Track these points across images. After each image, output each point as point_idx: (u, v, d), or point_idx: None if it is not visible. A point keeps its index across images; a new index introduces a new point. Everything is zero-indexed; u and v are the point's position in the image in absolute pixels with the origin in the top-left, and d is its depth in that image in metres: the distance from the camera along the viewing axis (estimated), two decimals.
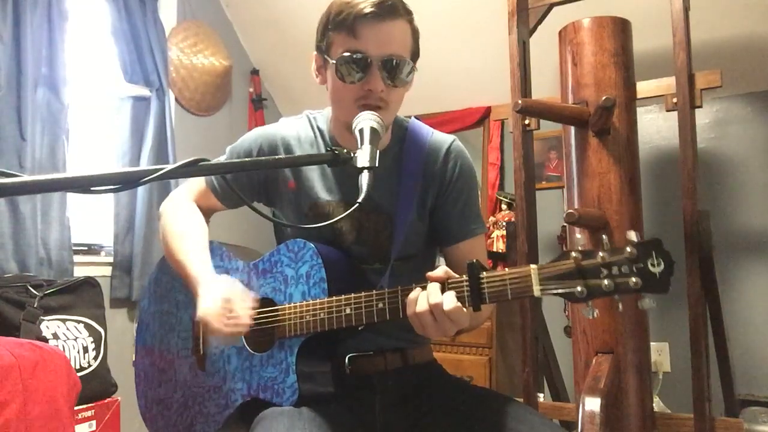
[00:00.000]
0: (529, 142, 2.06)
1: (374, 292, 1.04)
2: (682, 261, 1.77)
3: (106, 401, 2.12)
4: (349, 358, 1.16)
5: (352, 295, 1.05)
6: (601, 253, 0.87)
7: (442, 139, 1.25)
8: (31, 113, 2.25)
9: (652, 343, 2.02)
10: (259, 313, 1.14)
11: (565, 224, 1.89)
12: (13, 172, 0.65)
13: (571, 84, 1.89)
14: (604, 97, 1.66)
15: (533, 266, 0.91)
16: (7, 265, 2.17)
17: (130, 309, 2.70)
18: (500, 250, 2.89)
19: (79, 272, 2.38)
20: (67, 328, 2.09)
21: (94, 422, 2.06)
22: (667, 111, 1.86)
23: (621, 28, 1.86)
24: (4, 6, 2.19)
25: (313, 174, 1.22)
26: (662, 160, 2.73)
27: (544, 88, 2.31)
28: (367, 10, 1.06)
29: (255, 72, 3.47)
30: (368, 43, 1.08)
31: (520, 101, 1.78)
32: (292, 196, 1.23)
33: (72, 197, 2.40)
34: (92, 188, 0.72)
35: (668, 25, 1.81)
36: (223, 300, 1.08)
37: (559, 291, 0.89)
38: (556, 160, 2.96)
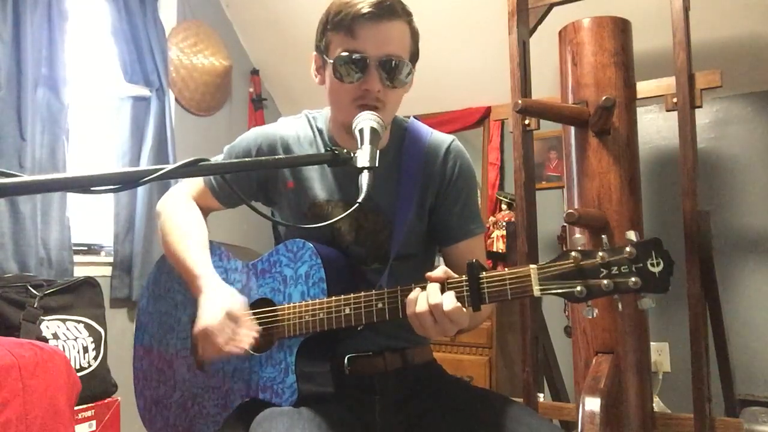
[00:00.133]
0: (529, 142, 2.06)
1: (373, 292, 1.04)
2: (682, 261, 1.77)
3: (106, 401, 2.12)
4: (348, 358, 1.16)
5: (352, 295, 1.05)
6: (600, 253, 0.87)
7: (442, 139, 1.25)
8: (31, 113, 2.25)
9: (652, 343, 2.02)
10: (259, 313, 1.14)
11: (565, 224, 1.89)
12: (13, 172, 0.65)
13: (571, 84, 1.89)
14: (604, 97, 1.65)
15: (533, 266, 0.91)
16: (7, 265, 2.17)
17: (130, 309, 2.70)
18: (500, 250, 2.89)
19: (79, 272, 2.38)
20: (67, 328, 2.09)
21: (94, 422, 2.06)
22: (667, 111, 1.86)
23: (621, 28, 1.86)
24: (4, 6, 2.19)
25: (313, 174, 1.22)
26: (662, 160, 2.73)
27: (544, 88, 2.31)
28: (365, 10, 1.06)
29: (255, 72, 3.47)
30: (366, 43, 1.08)
31: (520, 101, 1.78)
32: (291, 196, 1.23)
33: (72, 197, 2.40)
34: (92, 188, 0.72)
35: (668, 25, 1.81)
36: (227, 316, 1.07)
37: (559, 291, 0.89)
38: (556, 160, 2.96)
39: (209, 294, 1.11)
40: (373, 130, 0.99)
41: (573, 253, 0.88)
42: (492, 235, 2.95)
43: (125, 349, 2.49)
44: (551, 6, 2.05)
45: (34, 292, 2.02)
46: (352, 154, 0.95)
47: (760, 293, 2.53)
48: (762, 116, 2.60)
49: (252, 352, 1.15)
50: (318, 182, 1.21)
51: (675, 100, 1.81)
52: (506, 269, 0.94)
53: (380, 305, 1.02)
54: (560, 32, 1.95)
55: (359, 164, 0.94)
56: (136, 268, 2.64)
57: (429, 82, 1.89)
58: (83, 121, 2.66)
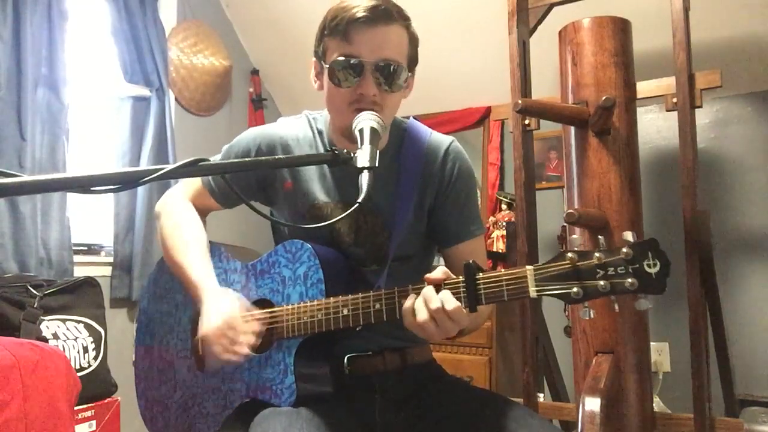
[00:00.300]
0: (529, 142, 2.06)
1: (371, 293, 1.04)
2: (682, 261, 1.77)
3: (106, 401, 2.12)
4: (348, 358, 1.17)
5: (350, 296, 1.05)
6: (597, 254, 0.87)
7: (441, 139, 1.25)
8: (31, 113, 2.25)
9: (652, 343, 2.02)
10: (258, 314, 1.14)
11: (565, 224, 1.89)
12: (13, 172, 0.65)
13: (571, 84, 1.89)
14: (604, 97, 1.65)
15: (529, 267, 0.91)
16: (7, 265, 2.17)
17: (130, 309, 2.70)
18: (500, 250, 2.89)
19: (79, 272, 2.38)
20: (67, 328, 2.09)
21: (94, 422, 2.06)
22: (667, 111, 1.86)
23: (621, 28, 1.86)
24: (4, 6, 2.19)
25: (312, 174, 1.22)
26: (662, 160, 2.72)
27: (544, 88, 2.31)
28: (360, 14, 1.06)
29: (255, 72, 3.47)
30: (361, 48, 1.08)
31: (520, 101, 1.78)
32: (290, 196, 1.23)
33: (72, 197, 2.40)
34: (92, 188, 0.72)
35: (668, 25, 1.81)
36: (227, 323, 1.07)
37: (555, 292, 0.89)
38: (556, 160, 2.96)
39: (209, 303, 1.11)
40: (373, 130, 0.99)
41: (569, 254, 0.88)
42: (492, 235, 2.95)
43: (125, 349, 2.51)
44: (551, 6, 2.05)
45: (34, 292, 2.02)
46: (352, 155, 0.95)
47: (760, 293, 2.53)
48: (762, 116, 2.60)
49: (252, 353, 1.15)
50: (317, 183, 1.21)
51: (675, 100, 1.81)
52: (503, 270, 0.94)
53: (377, 306, 1.02)
54: (560, 32, 1.95)
55: (359, 164, 0.94)
56: (136, 268, 2.64)
57: (429, 82, 1.88)
58: (83, 121, 2.66)
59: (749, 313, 2.53)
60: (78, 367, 2.05)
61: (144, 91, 2.77)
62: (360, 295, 1.05)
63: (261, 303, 1.16)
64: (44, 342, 1.89)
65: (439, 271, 0.98)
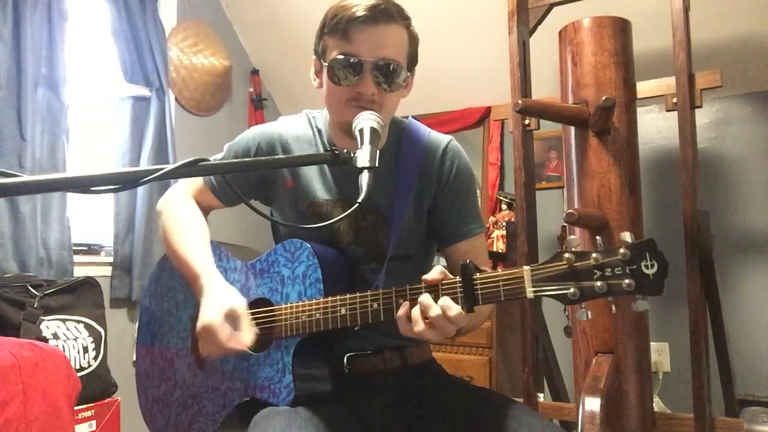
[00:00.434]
0: (529, 142, 2.06)
1: (369, 292, 1.04)
2: (682, 261, 1.77)
3: (106, 401, 2.12)
4: (347, 357, 1.17)
5: (348, 295, 1.05)
6: (594, 255, 0.86)
7: (439, 139, 1.25)
8: (31, 113, 2.25)
9: (652, 343, 2.02)
10: (256, 313, 1.14)
11: (565, 224, 1.89)
12: (13, 172, 0.65)
13: (571, 84, 1.89)
14: (604, 97, 1.65)
15: (526, 267, 0.91)
16: (7, 265, 2.17)
17: (130, 309, 2.70)
18: (500, 250, 2.88)
19: (79, 272, 2.38)
20: (67, 328, 2.09)
21: (94, 422, 2.06)
22: (667, 111, 1.86)
23: (621, 28, 1.86)
24: (4, 6, 2.19)
25: (312, 173, 1.22)
26: (662, 160, 2.72)
27: (544, 88, 2.31)
28: (360, 13, 1.06)
29: (255, 72, 3.47)
30: (360, 47, 1.08)
31: (520, 101, 1.78)
32: (290, 195, 1.23)
33: (72, 197, 2.40)
34: (92, 188, 0.72)
35: (668, 25, 1.81)
36: (227, 314, 1.07)
37: (552, 293, 0.89)
38: (556, 160, 2.96)
39: (210, 293, 1.11)
40: (373, 130, 0.99)
41: (566, 255, 0.88)
42: (492, 235, 2.95)
43: (125, 349, 2.51)
44: (551, 6, 2.05)
45: (34, 292, 2.02)
46: (352, 154, 0.95)
47: (760, 293, 2.53)
48: (762, 116, 2.60)
49: (251, 351, 1.15)
50: (317, 182, 1.21)
51: (675, 100, 1.81)
52: (500, 270, 0.94)
53: (375, 306, 1.02)
54: (560, 32, 1.95)
55: (359, 164, 0.94)
56: (136, 268, 2.64)
57: (429, 82, 1.88)
58: (83, 121, 2.66)
59: (749, 313, 2.53)
60: (78, 367, 2.05)
61: (144, 91, 2.77)
62: (358, 294, 1.05)
63: (260, 302, 1.16)
64: (44, 342, 1.89)
65: (436, 271, 0.98)
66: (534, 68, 2.10)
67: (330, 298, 1.07)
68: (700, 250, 1.77)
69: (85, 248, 2.64)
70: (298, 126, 1.25)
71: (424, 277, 0.98)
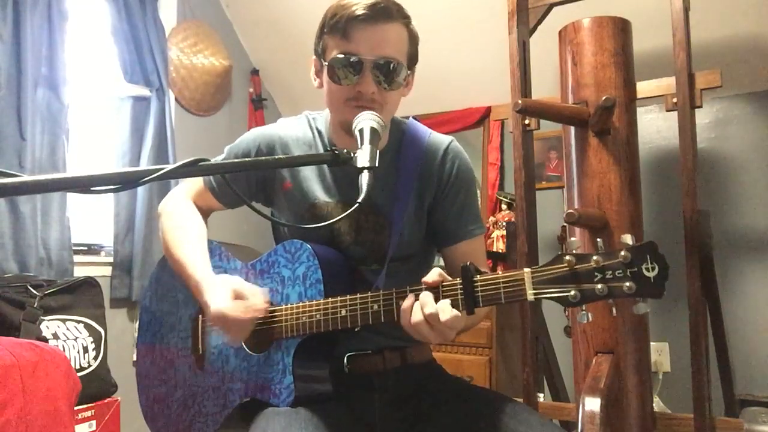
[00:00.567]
0: (529, 142, 2.06)
1: (369, 293, 1.04)
2: (682, 261, 1.77)
3: (106, 401, 2.12)
4: (347, 357, 1.17)
5: (348, 296, 1.05)
6: (595, 257, 0.86)
7: (440, 139, 1.25)
8: (31, 113, 2.24)
9: (652, 343, 2.02)
10: None
11: (565, 224, 1.89)
12: (13, 172, 0.65)
13: (571, 84, 1.89)
14: (604, 97, 1.66)
15: (527, 270, 0.91)
16: (7, 265, 2.17)
17: (130, 309, 2.70)
18: (500, 250, 2.88)
19: (79, 272, 2.38)
20: (67, 328, 2.09)
21: (94, 422, 2.06)
22: (667, 111, 1.86)
23: (621, 28, 1.86)
24: (4, 6, 2.19)
25: (311, 174, 1.22)
26: (662, 160, 2.72)
27: (544, 88, 2.31)
28: (359, 12, 1.06)
29: (255, 72, 3.47)
30: (360, 46, 1.08)
31: (520, 101, 1.78)
32: (289, 196, 1.23)
33: (72, 197, 2.40)
34: (92, 188, 0.72)
35: (668, 25, 1.81)
36: (233, 292, 1.07)
37: (553, 295, 0.89)
38: (556, 160, 2.96)
39: (209, 288, 1.11)
40: (373, 130, 0.99)
41: (567, 257, 0.88)
42: (492, 235, 2.95)
43: (125, 349, 2.51)
44: (551, 6, 2.05)
45: (34, 292, 2.02)
46: (352, 154, 0.95)
47: (760, 293, 2.53)
48: (762, 116, 2.60)
49: (251, 352, 1.15)
50: (317, 183, 1.21)
51: (675, 100, 1.81)
52: (500, 272, 0.94)
53: (375, 307, 1.02)
54: (560, 32, 1.95)
55: (359, 164, 0.94)
56: (136, 268, 2.64)
57: (429, 82, 1.88)
58: (83, 121, 2.66)
59: (749, 313, 2.53)
60: (78, 367, 2.05)
61: (144, 91, 2.77)
62: (358, 295, 1.05)
63: None
64: (44, 342, 1.89)
65: (435, 273, 0.97)
66: (534, 68, 2.10)
67: (330, 299, 1.07)
68: (700, 250, 1.77)
69: (85, 248, 2.64)
70: (298, 128, 1.25)
71: (424, 279, 0.98)
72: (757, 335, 2.52)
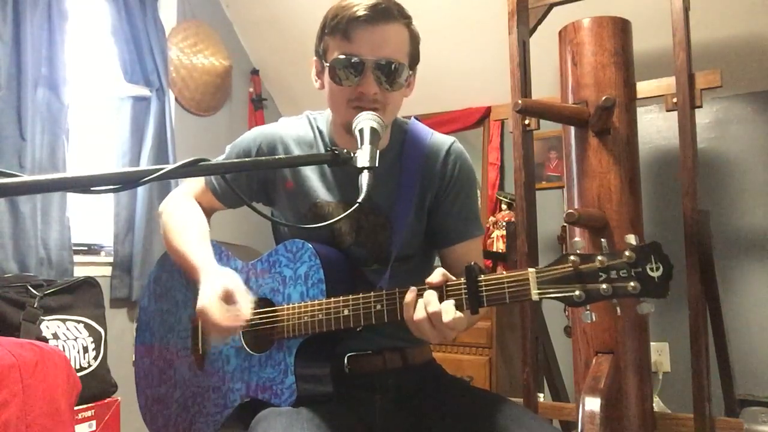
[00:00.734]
0: (529, 142, 2.06)
1: (372, 293, 1.04)
2: (682, 261, 1.77)
3: (106, 401, 2.12)
4: (348, 357, 1.16)
5: (350, 296, 1.05)
6: (599, 257, 0.86)
7: (442, 140, 1.25)
8: (31, 113, 2.25)
9: (652, 343, 2.02)
10: (258, 313, 1.14)
11: (565, 224, 1.89)
12: (13, 172, 0.65)
13: (571, 84, 1.89)
14: (604, 97, 1.66)
15: (531, 270, 0.91)
16: (7, 265, 2.17)
17: (130, 309, 2.70)
18: (500, 250, 2.88)
19: (79, 272, 2.38)
20: (67, 328, 2.09)
21: (94, 422, 2.06)
22: (667, 111, 1.86)
23: (621, 28, 1.86)
24: (4, 6, 2.19)
25: (312, 174, 1.22)
26: (662, 160, 2.73)
27: (544, 88, 2.31)
28: (360, 13, 1.06)
29: (255, 72, 3.47)
30: (361, 47, 1.08)
31: (520, 101, 1.78)
32: (290, 196, 1.23)
33: (72, 197, 2.40)
34: (92, 188, 0.72)
35: (668, 25, 1.81)
36: (224, 291, 1.06)
37: (557, 295, 0.89)
38: (556, 160, 2.96)
39: (205, 280, 1.10)
40: (373, 130, 0.99)
41: (572, 257, 0.88)
42: (492, 235, 2.95)
43: (125, 349, 2.51)
44: (551, 6, 2.05)
45: (34, 292, 2.02)
46: (352, 154, 0.95)
47: (760, 293, 2.53)
48: (762, 116, 2.60)
49: (252, 352, 1.15)
50: (318, 182, 1.21)
51: (675, 100, 1.82)
52: (504, 272, 0.94)
53: (378, 307, 1.02)
54: (560, 32, 1.95)
55: (359, 164, 0.94)
56: (136, 268, 2.64)
57: (429, 82, 1.88)
58: (83, 121, 2.66)
59: (749, 313, 2.53)
60: (78, 367, 2.06)
61: (144, 91, 2.77)
62: (361, 295, 1.05)
63: (261, 302, 1.16)
64: (44, 342, 1.89)
65: (438, 274, 0.97)
66: (534, 68, 2.10)
67: (333, 299, 1.07)
68: (700, 250, 1.77)
69: (85, 248, 2.64)
70: (299, 127, 1.25)
71: (428, 280, 0.98)
72: (757, 335, 2.52)
